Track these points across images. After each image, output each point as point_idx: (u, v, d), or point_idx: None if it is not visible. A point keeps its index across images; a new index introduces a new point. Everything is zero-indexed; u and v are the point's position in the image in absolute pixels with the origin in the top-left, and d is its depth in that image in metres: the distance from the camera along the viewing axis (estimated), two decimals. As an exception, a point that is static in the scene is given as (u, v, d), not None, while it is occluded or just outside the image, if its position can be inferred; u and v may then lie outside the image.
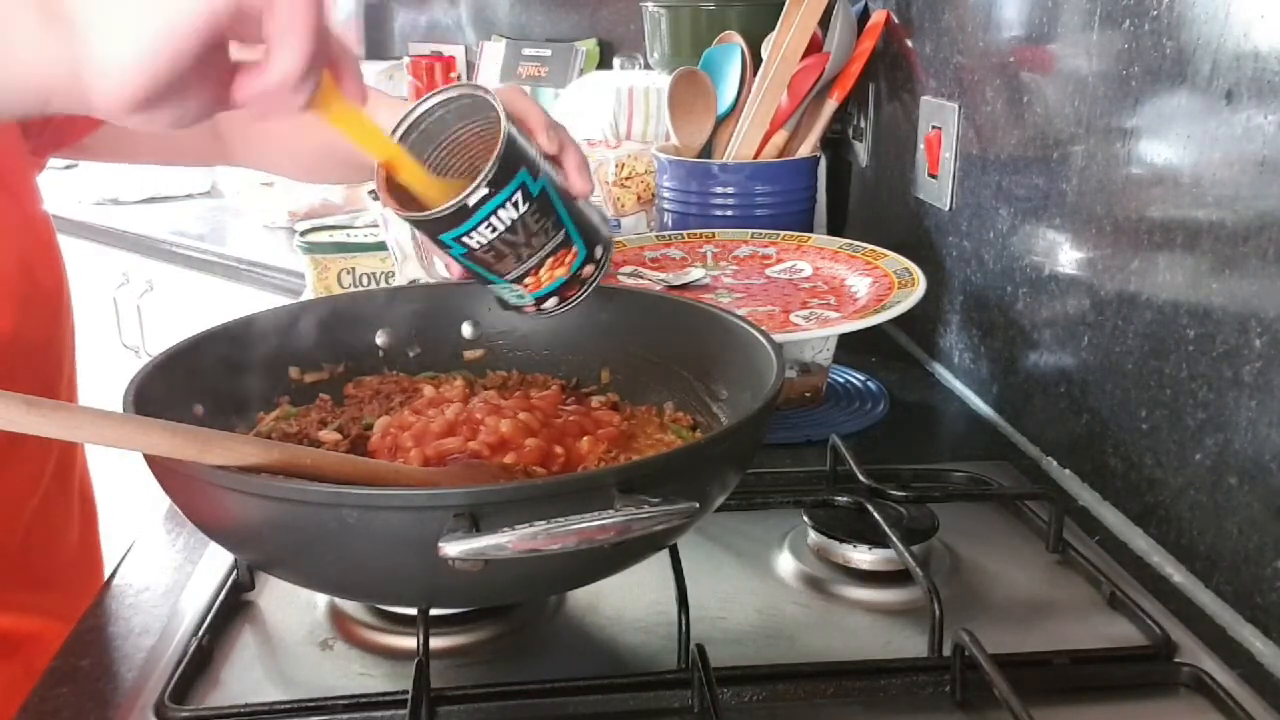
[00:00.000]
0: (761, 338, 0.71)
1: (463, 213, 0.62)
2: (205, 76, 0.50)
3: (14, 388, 0.49)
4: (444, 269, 1.17)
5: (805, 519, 0.77)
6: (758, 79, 1.31)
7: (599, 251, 0.71)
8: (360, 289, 1.29)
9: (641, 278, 1.12)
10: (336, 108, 0.57)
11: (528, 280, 0.69)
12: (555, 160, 0.71)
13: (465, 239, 0.64)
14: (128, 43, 0.47)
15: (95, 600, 0.73)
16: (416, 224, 0.64)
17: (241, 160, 1.05)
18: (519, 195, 0.63)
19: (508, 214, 0.63)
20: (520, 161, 0.63)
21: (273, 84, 0.51)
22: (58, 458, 0.87)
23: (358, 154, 0.63)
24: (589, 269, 0.70)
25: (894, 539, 0.71)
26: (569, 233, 0.68)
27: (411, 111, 0.67)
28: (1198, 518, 0.73)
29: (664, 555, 0.67)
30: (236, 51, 0.52)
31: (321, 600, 0.71)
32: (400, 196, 0.65)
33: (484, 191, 0.62)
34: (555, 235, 0.67)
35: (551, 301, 0.71)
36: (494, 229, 0.64)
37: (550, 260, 0.68)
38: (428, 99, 0.67)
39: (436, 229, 0.64)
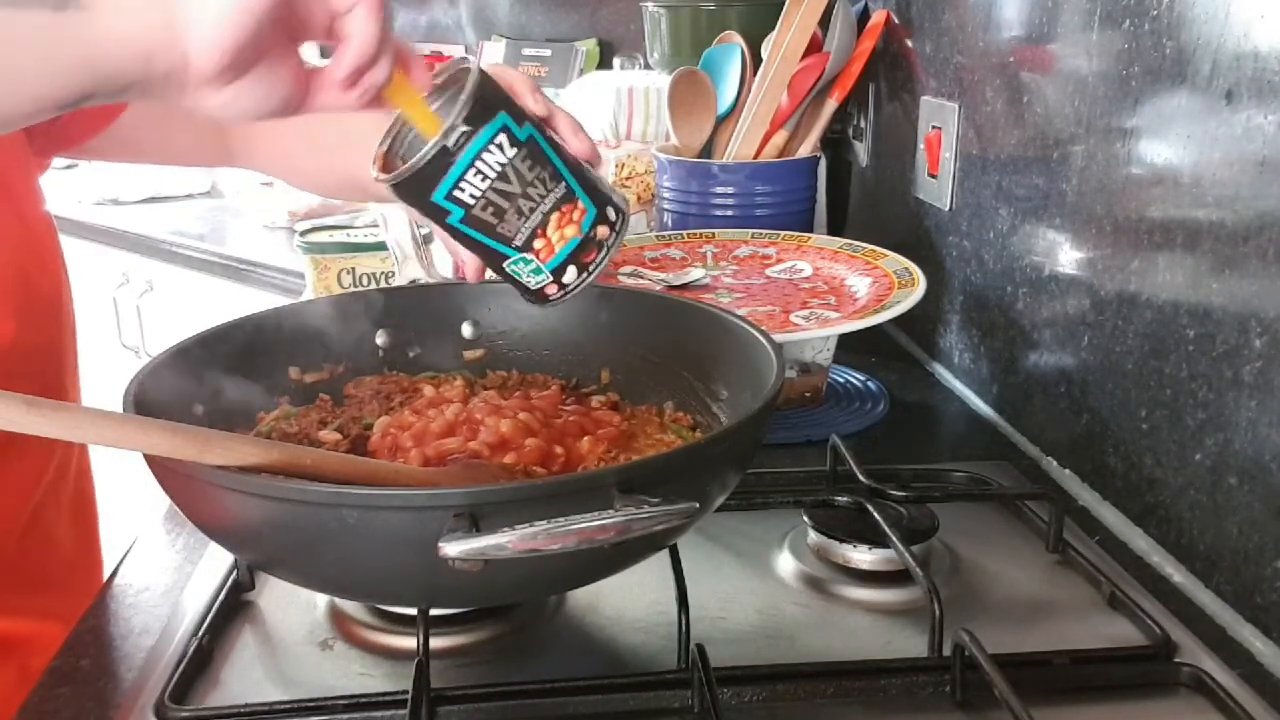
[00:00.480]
0: (761, 338, 0.71)
1: (444, 155, 0.60)
2: (281, 63, 0.55)
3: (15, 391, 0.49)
4: (447, 269, 1.17)
5: (805, 519, 0.77)
6: (758, 79, 1.31)
7: (612, 213, 0.67)
8: (360, 289, 1.29)
9: (641, 278, 1.12)
10: (407, 98, 0.59)
11: (538, 244, 0.65)
12: (546, 124, 0.71)
13: (457, 191, 0.61)
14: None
15: (95, 600, 0.73)
16: (402, 185, 0.62)
17: (246, 164, 1.04)
18: (503, 138, 0.61)
19: (494, 157, 0.61)
20: (498, 104, 0.61)
21: (354, 56, 0.55)
22: (58, 460, 0.87)
23: (375, 186, 0.64)
24: (603, 230, 0.66)
25: (894, 539, 0.71)
26: (570, 186, 0.65)
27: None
28: (1198, 518, 0.73)
29: (664, 555, 0.67)
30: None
31: (321, 600, 0.71)
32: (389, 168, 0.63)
33: (461, 128, 0.60)
34: (555, 187, 0.64)
35: (571, 273, 0.67)
36: (483, 175, 0.61)
37: (556, 217, 0.64)
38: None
39: (423, 186, 0.61)
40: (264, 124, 0.98)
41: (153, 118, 0.91)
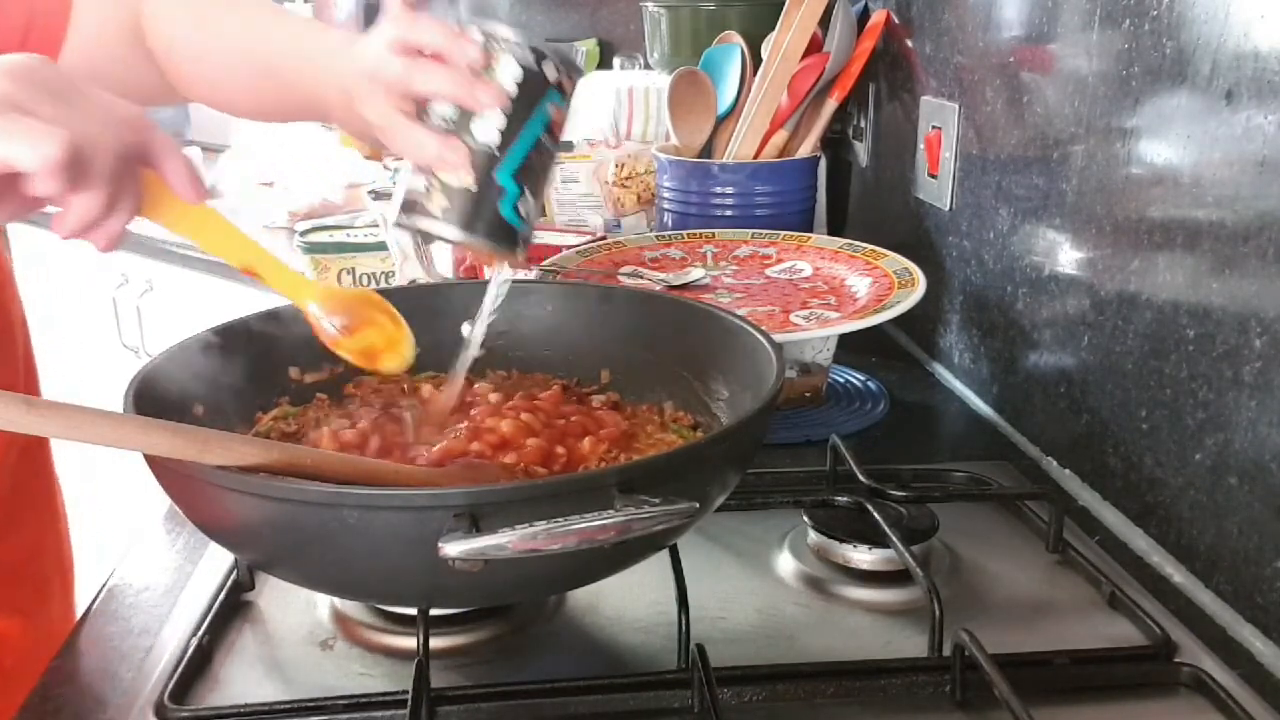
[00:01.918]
0: (761, 338, 0.71)
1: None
2: (12, 194, 0.52)
3: None
4: (447, 269, 1.17)
5: (805, 519, 0.77)
6: (758, 79, 1.31)
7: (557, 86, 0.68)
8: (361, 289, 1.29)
9: (641, 278, 1.12)
10: (172, 213, 0.56)
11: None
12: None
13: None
14: None
15: (95, 600, 0.73)
16: None
17: (187, 95, 0.96)
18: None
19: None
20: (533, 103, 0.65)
21: (78, 225, 0.53)
22: (18, 458, 0.86)
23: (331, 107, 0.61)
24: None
25: (894, 539, 0.71)
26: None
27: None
28: (1198, 518, 0.73)
29: (664, 555, 0.67)
30: None
31: (321, 600, 0.71)
32: None
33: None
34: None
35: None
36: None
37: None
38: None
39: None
40: (197, 57, 0.92)
41: (92, 61, 0.86)
